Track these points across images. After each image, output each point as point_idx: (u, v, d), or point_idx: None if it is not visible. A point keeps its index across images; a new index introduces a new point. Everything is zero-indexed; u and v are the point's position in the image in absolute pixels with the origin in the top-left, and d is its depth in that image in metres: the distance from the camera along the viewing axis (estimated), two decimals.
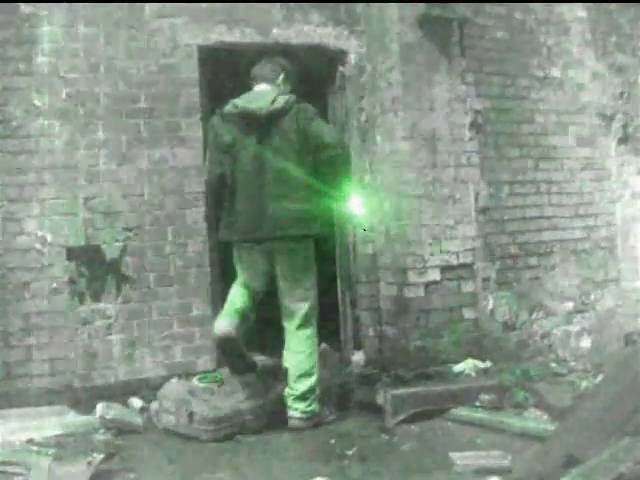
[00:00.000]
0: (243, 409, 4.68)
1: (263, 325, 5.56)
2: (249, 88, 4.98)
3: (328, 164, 4.68)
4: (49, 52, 5.21)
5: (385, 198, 5.92)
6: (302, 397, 4.77)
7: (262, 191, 4.66)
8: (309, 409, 4.78)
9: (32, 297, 5.12)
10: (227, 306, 4.89)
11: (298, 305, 4.84)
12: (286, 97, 4.70)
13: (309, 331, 4.85)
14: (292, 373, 4.79)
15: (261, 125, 4.68)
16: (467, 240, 5.90)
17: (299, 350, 4.82)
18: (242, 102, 4.73)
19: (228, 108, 4.78)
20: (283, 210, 4.63)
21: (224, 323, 4.79)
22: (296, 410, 4.77)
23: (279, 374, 4.91)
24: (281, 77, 4.94)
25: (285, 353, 4.88)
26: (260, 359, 5.27)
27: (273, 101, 4.65)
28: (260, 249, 4.82)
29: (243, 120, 4.72)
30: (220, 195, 4.89)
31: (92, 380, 5.23)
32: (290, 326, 4.85)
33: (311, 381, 4.78)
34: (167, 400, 4.78)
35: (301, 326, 4.83)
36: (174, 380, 5.03)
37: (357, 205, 5.37)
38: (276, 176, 4.65)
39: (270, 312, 5.16)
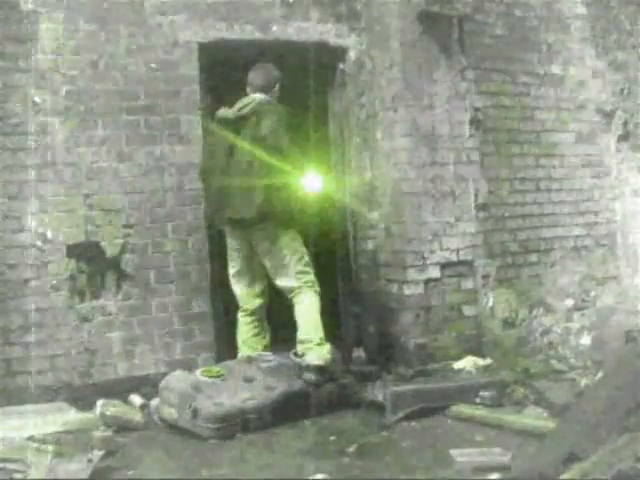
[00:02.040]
0: (247, 408, 4.65)
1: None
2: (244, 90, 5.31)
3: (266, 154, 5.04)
4: (49, 49, 5.20)
5: (385, 195, 5.92)
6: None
7: (228, 181, 5.11)
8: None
9: (32, 294, 5.12)
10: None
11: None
12: (257, 102, 5.17)
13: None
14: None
15: (232, 127, 5.17)
16: (467, 237, 5.91)
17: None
18: (224, 110, 5.24)
19: (222, 115, 5.25)
20: (240, 198, 5.04)
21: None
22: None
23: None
24: (276, 87, 5.34)
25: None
26: (264, 354, 5.27)
27: (243, 107, 5.16)
28: (239, 232, 5.21)
29: (223, 124, 5.22)
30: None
31: (92, 377, 5.23)
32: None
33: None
34: (170, 392, 4.75)
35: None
36: (178, 372, 4.99)
37: (311, 183, 5.55)
38: (238, 168, 5.09)
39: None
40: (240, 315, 5.37)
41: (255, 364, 5.07)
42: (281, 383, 4.86)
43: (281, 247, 5.09)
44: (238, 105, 5.18)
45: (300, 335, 5.10)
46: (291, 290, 5.12)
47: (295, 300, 5.13)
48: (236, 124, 5.14)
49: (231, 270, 5.32)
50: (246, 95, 5.26)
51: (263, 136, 5.03)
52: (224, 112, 5.22)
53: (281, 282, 5.15)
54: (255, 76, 5.32)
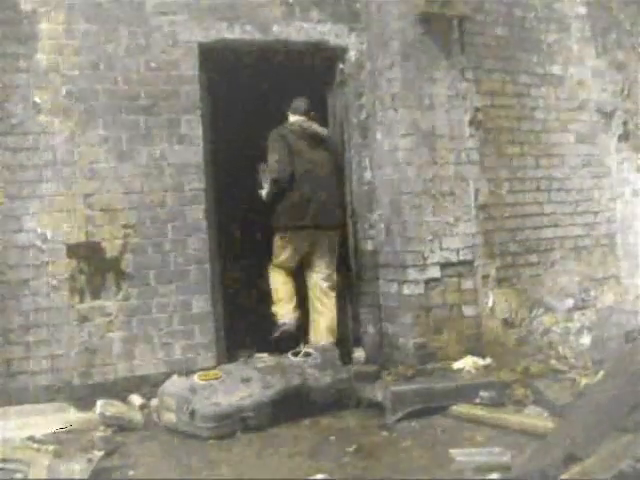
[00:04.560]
0: (244, 406, 4.67)
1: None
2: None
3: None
4: (49, 49, 5.20)
5: (385, 195, 5.92)
6: None
7: (319, 190, 5.86)
8: None
9: (32, 294, 5.12)
10: (289, 296, 5.98)
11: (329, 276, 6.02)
12: (327, 131, 6.11)
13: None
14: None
15: (319, 142, 5.95)
16: (467, 237, 5.90)
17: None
18: (306, 124, 5.95)
19: (294, 126, 5.94)
20: (330, 205, 5.91)
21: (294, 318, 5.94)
22: None
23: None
24: (312, 114, 6.04)
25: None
26: (261, 356, 5.29)
27: (322, 130, 6.03)
28: (307, 233, 5.90)
29: (308, 137, 5.92)
30: (284, 189, 5.82)
31: (92, 377, 5.23)
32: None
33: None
34: (168, 397, 4.78)
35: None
36: (175, 377, 5.02)
37: None
38: (327, 179, 5.94)
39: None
40: (282, 273, 6.01)
41: (252, 364, 5.10)
42: (278, 380, 4.88)
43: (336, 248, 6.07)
44: (316, 127, 5.96)
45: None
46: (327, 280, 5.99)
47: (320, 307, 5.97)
48: (319, 144, 5.96)
49: (281, 259, 5.99)
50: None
51: (336, 159, 6.08)
52: (318, 128, 5.98)
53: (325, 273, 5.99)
54: (300, 104, 5.99)
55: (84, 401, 5.05)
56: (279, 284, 5.98)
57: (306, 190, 5.82)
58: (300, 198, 5.81)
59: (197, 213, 5.53)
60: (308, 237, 5.90)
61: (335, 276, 6.03)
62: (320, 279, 5.97)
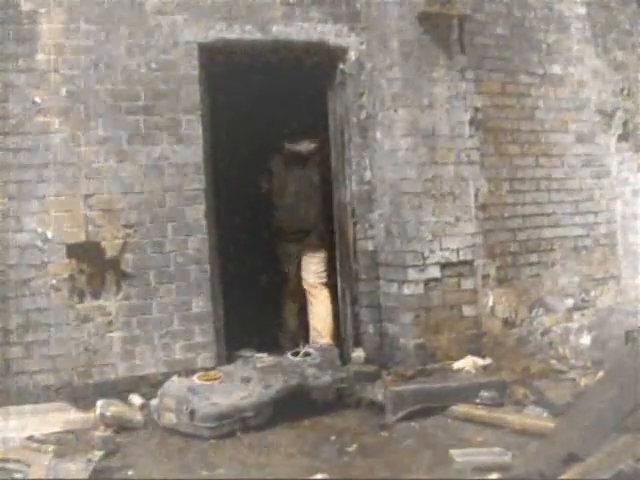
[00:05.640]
0: (244, 406, 4.68)
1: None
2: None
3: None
4: (49, 49, 5.20)
5: (385, 195, 5.92)
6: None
7: (296, 207, 6.57)
8: None
9: (32, 294, 5.12)
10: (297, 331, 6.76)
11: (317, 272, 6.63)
12: (314, 145, 6.52)
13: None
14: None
15: (301, 160, 6.57)
16: (467, 237, 5.90)
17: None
18: (292, 145, 6.56)
19: (285, 148, 6.61)
20: (307, 220, 6.59)
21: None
22: None
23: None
24: None
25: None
26: (260, 356, 5.30)
27: (308, 146, 6.54)
28: (292, 244, 6.67)
29: (292, 156, 6.56)
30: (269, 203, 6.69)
31: (92, 377, 5.22)
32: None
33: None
34: (168, 398, 4.78)
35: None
36: (175, 378, 5.02)
37: None
38: (305, 197, 6.57)
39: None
40: (292, 301, 6.86)
41: (252, 364, 5.11)
42: (278, 380, 4.88)
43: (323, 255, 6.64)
44: (307, 144, 6.54)
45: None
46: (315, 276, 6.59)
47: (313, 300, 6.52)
48: (300, 162, 6.59)
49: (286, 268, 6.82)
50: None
51: (320, 174, 6.56)
52: (299, 147, 6.55)
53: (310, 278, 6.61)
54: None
55: (84, 401, 5.05)
56: (291, 323, 6.86)
57: (286, 206, 6.61)
58: (281, 214, 6.66)
59: (197, 213, 5.53)
60: (294, 246, 6.69)
61: (324, 273, 6.57)
62: (308, 275, 6.62)
